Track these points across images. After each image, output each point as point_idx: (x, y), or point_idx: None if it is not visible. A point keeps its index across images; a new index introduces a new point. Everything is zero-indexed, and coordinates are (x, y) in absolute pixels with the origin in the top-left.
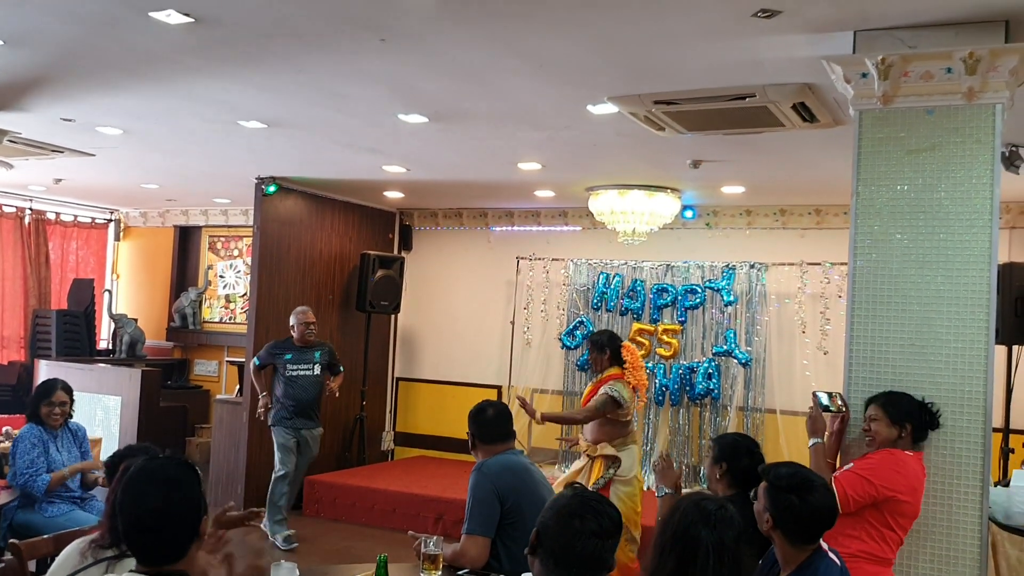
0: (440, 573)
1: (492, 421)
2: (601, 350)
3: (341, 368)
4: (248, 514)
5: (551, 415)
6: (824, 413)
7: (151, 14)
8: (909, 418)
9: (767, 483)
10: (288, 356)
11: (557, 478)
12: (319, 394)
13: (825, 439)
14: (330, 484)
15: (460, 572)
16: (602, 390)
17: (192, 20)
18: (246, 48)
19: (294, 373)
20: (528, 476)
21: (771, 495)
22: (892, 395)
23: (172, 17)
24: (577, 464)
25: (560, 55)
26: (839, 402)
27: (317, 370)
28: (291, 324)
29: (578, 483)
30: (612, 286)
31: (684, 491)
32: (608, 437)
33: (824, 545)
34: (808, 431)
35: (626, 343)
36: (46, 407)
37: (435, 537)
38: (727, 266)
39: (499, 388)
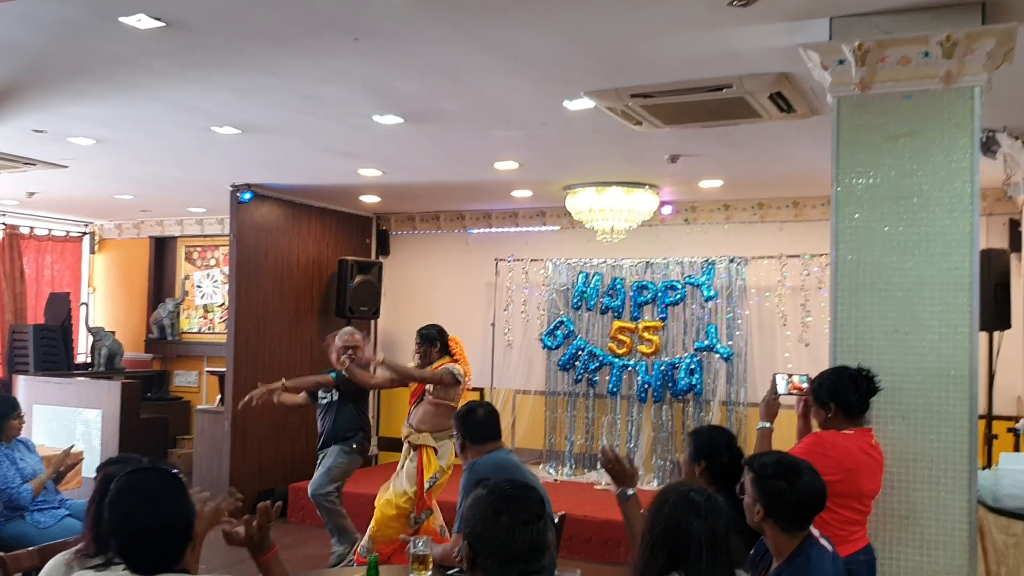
0: (430, 573)
1: (481, 421)
2: (431, 342)
3: None
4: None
5: (392, 363)
6: (786, 396)
7: (121, 19)
8: (832, 397)
9: (753, 474)
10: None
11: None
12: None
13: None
14: None
15: (450, 571)
16: (443, 368)
17: (163, 24)
18: (218, 51)
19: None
20: (519, 474)
21: (759, 485)
22: (820, 376)
23: (143, 22)
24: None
25: (535, 50)
26: (801, 386)
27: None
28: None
29: (486, 479)
30: (592, 285)
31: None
32: (439, 427)
33: (815, 532)
34: (761, 414)
35: (453, 336)
36: (15, 420)
37: (424, 537)
38: (706, 261)
39: (481, 390)
